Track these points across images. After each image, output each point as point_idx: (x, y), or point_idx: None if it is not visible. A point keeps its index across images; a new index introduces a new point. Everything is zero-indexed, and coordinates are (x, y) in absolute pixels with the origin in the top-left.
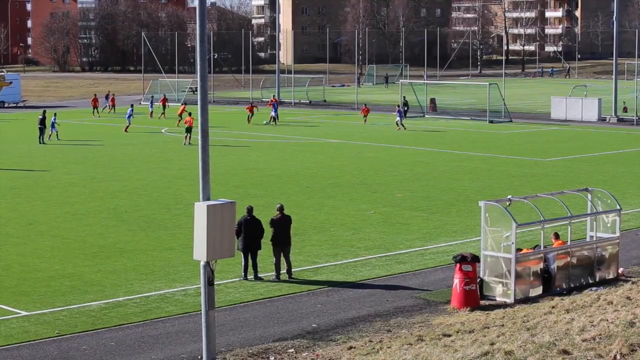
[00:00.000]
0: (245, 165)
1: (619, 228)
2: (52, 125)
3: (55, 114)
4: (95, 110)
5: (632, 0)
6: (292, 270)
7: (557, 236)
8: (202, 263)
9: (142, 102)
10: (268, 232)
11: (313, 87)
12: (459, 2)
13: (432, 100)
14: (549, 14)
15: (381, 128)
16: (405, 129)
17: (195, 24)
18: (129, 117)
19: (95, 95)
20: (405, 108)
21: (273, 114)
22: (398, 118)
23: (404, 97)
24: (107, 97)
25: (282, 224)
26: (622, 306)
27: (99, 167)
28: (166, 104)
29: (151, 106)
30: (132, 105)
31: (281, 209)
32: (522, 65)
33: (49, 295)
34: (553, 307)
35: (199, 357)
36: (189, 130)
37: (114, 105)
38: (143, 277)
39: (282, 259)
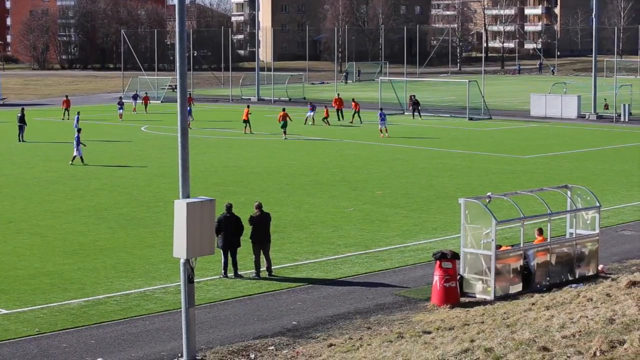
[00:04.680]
0: (225, 162)
1: (599, 225)
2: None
3: (78, 113)
4: (67, 111)
5: None
6: (272, 267)
7: (540, 232)
8: (182, 261)
9: (123, 100)
10: (248, 229)
11: (293, 84)
12: None
13: (412, 98)
14: (528, 11)
15: (362, 126)
16: (387, 133)
17: (175, 21)
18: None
19: (66, 96)
20: (415, 107)
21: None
22: (380, 122)
23: (413, 95)
24: (135, 97)
25: (261, 221)
26: (602, 303)
27: (79, 164)
28: (192, 103)
29: (134, 102)
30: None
31: (259, 206)
32: (501, 63)
33: (28, 293)
34: (533, 304)
35: (179, 354)
36: (284, 126)
37: (146, 104)
38: (123, 275)
39: (262, 256)
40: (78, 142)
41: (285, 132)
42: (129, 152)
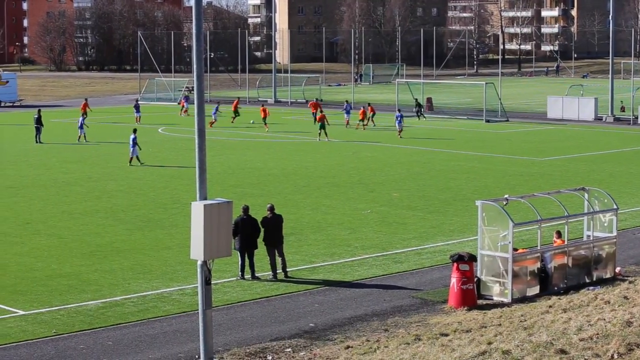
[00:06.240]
0: (242, 164)
1: (616, 227)
2: (81, 127)
3: (82, 115)
4: (85, 115)
5: None
6: (288, 269)
7: (559, 234)
8: (199, 262)
9: (139, 102)
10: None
11: (309, 86)
12: (455, 1)
13: (429, 100)
14: (545, 13)
15: (378, 128)
16: (400, 135)
17: (192, 23)
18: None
19: (85, 100)
20: (418, 108)
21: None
22: (397, 124)
23: (416, 98)
24: (187, 98)
25: (273, 223)
26: (619, 305)
27: (96, 166)
28: (238, 106)
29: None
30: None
31: (272, 208)
32: (518, 65)
33: (46, 294)
34: (550, 306)
35: (196, 356)
36: (322, 127)
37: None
38: (140, 277)
39: (278, 258)
40: (134, 143)
41: (324, 134)
42: (145, 154)
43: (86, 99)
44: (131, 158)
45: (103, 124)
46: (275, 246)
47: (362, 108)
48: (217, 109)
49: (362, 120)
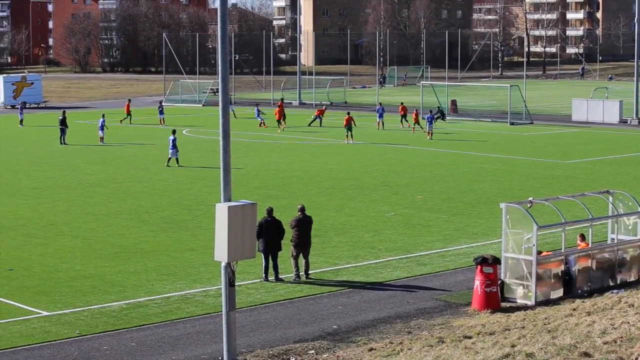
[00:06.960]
0: (266, 166)
1: None
2: (102, 128)
3: (103, 115)
4: (129, 117)
5: None
6: (312, 271)
7: (583, 237)
8: (223, 264)
9: (163, 103)
10: (288, 233)
11: (334, 88)
12: (480, 3)
13: (453, 102)
14: (570, 15)
15: (404, 130)
16: (431, 136)
17: (217, 25)
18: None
19: (129, 100)
20: (438, 115)
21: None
22: (427, 125)
23: (438, 106)
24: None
25: (303, 224)
26: None
27: (120, 167)
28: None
29: (258, 115)
30: (257, 105)
31: (302, 209)
32: (543, 67)
33: (69, 295)
34: (574, 309)
35: (220, 357)
36: (349, 128)
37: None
38: (164, 278)
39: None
40: (174, 144)
41: (352, 137)
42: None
43: (129, 100)
44: (169, 159)
45: (127, 125)
46: (302, 248)
47: (415, 110)
48: (258, 111)
49: (416, 123)
